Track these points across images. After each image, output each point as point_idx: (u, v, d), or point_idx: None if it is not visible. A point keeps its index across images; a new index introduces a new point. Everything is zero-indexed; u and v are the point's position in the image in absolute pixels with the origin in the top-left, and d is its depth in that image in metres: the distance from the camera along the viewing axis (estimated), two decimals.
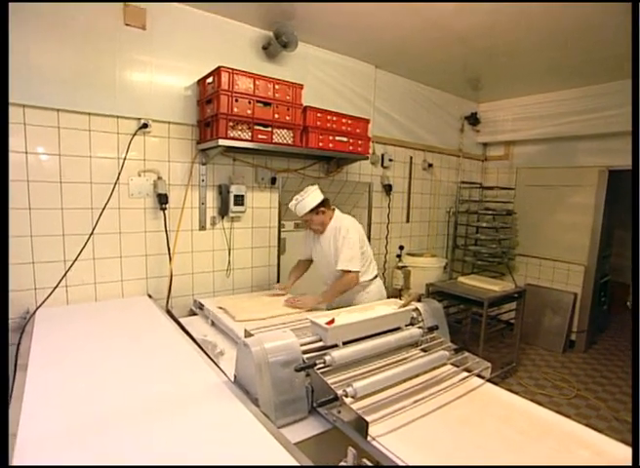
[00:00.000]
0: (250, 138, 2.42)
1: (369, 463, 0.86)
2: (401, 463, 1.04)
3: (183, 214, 2.58)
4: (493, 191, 4.70)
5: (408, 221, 4.15)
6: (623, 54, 2.97)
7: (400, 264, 3.85)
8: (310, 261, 2.73)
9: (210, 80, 2.38)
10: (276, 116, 2.49)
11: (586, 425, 1.23)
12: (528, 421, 1.24)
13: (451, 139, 4.49)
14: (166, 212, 2.48)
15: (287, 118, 2.54)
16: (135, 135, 2.34)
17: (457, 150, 4.56)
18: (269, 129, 2.48)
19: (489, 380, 1.49)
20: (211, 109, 2.36)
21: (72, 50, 2.12)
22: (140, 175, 2.40)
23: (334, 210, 2.53)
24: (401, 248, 3.99)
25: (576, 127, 4.02)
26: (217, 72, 2.29)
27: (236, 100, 2.30)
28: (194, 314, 2.58)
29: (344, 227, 2.40)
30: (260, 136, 2.45)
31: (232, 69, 2.29)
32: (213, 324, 2.31)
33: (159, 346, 1.74)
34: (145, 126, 2.35)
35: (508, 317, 4.33)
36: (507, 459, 1.07)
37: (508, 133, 4.58)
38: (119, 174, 2.31)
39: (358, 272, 2.39)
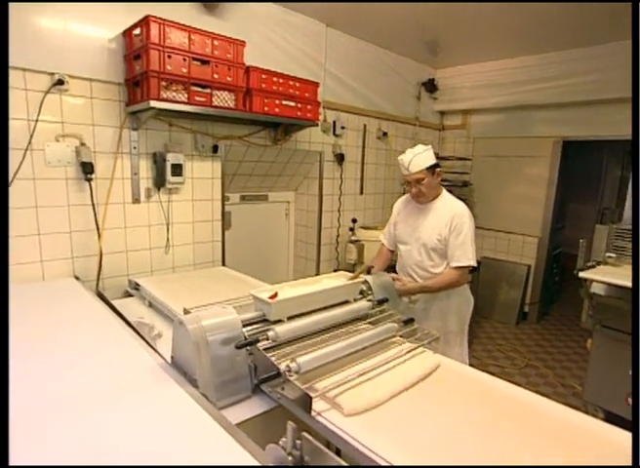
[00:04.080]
0: (186, 101, 2.32)
1: (308, 436, 0.89)
2: (346, 437, 1.08)
3: (113, 185, 2.47)
4: (449, 162, 4.85)
5: (362, 193, 4.21)
6: (584, 21, 3.11)
7: (353, 238, 3.91)
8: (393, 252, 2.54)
9: (137, 32, 2.24)
10: (215, 76, 2.40)
11: (535, 392, 1.32)
12: (479, 390, 1.32)
13: (407, 107, 4.54)
14: (92, 183, 2.36)
15: (228, 79, 2.46)
16: (47, 92, 2.17)
17: (413, 118, 4.63)
18: (208, 90, 2.40)
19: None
20: (140, 66, 2.23)
21: None
22: (58, 141, 2.25)
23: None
24: (354, 221, 4.03)
25: (532, 95, 4.19)
26: (144, 22, 2.15)
27: (169, 57, 2.19)
28: (130, 295, 2.51)
29: (465, 212, 2.22)
30: (197, 99, 2.37)
31: (163, 20, 2.16)
32: (150, 305, 2.26)
33: (88, 332, 1.68)
34: (61, 82, 2.18)
35: None
36: (458, 428, 1.14)
37: (466, 101, 4.70)
38: (30, 138, 2.15)
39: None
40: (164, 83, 2.22)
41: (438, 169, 2.25)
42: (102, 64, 2.34)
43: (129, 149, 2.52)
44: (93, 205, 2.38)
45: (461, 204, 2.31)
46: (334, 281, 1.73)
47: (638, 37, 1.31)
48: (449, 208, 2.26)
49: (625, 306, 2.61)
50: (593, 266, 2.86)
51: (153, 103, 2.20)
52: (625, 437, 1.07)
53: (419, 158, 2.18)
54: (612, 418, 2.64)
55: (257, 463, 0.91)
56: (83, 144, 2.32)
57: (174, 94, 2.28)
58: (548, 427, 1.14)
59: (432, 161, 2.22)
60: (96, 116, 2.36)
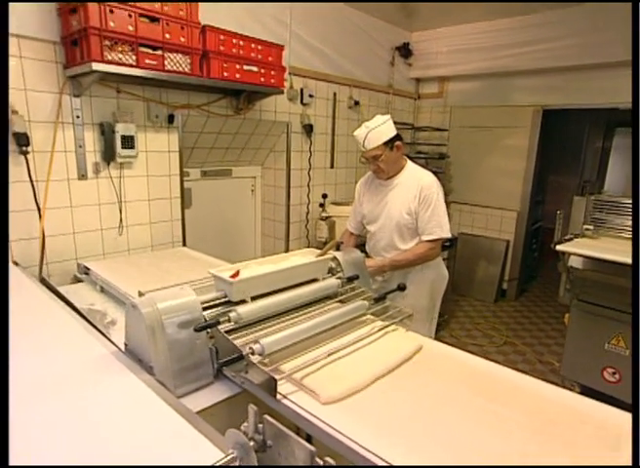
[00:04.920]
0: (134, 63, 2.22)
1: (270, 419, 0.89)
2: (314, 420, 1.09)
3: (54, 159, 2.36)
4: (425, 133, 4.87)
5: (332, 167, 4.18)
6: None
7: (324, 214, 3.91)
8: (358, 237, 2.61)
9: None
10: (167, 36, 2.30)
11: (514, 369, 1.36)
12: (463, 371, 1.34)
13: (380, 73, 4.51)
14: (28, 156, 2.24)
15: (181, 39, 2.37)
16: None
17: (386, 86, 4.60)
18: (159, 52, 2.30)
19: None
20: (77, 21, 2.10)
21: None
22: None
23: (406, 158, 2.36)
24: (324, 196, 4.03)
25: (511, 61, 4.21)
26: None
27: (111, 11, 2.07)
28: (80, 281, 2.44)
29: (433, 183, 2.23)
30: (147, 62, 2.27)
31: None
32: (102, 290, 2.21)
33: (31, 322, 1.62)
34: None
35: None
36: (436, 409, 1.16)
37: (443, 67, 4.70)
38: None
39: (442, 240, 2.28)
40: (107, 42, 2.10)
41: (398, 142, 2.23)
42: (32, 18, 2.18)
43: (71, 119, 2.40)
44: (31, 181, 2.27)
45: (428, 173, 2.32)
46: (301, 258, 1.72)
47: (638, 37, 1.34)
48: (415, 180, 2.26)
49: (602, 279, 2.72)
50: (571, 239, 2.96)
51: (95, 66, 2.09)
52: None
53: (374, 133, 2.16)
54: (586, 392, 2.77)
55: (218, 451, 0.90)
56: (15, 112, 2.19)
57: (120, 55, 2.17)
58: (543, 408, 1.17)
59: (391, 134, 2.20)
60: (28, 80, 2.23)
